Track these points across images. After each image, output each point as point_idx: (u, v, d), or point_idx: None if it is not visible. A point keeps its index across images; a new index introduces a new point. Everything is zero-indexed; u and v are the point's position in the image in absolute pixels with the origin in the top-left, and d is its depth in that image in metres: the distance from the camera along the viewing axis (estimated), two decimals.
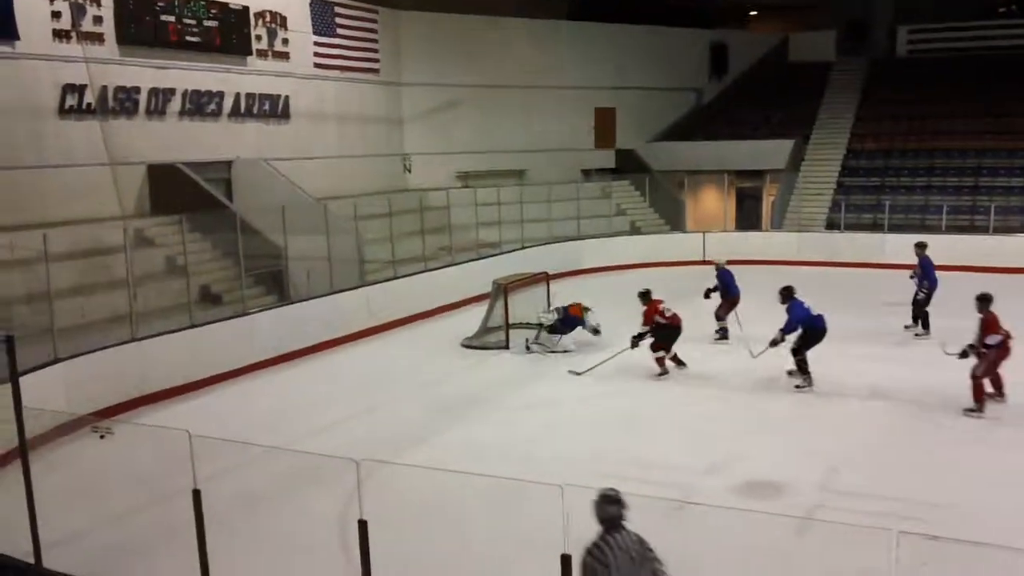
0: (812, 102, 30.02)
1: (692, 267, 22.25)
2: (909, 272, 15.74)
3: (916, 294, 15.41)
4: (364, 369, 15.07)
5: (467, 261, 20.51)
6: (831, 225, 25.17)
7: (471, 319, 17.08)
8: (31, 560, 6.86)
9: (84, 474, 9.96)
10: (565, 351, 15.15)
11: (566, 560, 5.03)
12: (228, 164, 19.61)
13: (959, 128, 27.31)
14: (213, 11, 19.26)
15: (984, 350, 11.08)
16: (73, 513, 8.73)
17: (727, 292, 15.66)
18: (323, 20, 22.39)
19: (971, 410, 11.17)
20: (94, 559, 7.70)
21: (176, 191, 17.60)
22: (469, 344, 16.13)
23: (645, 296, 13.60)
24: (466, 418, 12.04)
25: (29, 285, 12.70)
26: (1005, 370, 11.31)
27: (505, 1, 27.25)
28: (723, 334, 15.62)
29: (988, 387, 11.33)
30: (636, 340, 13.38)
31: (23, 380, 7.03)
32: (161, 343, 13.35)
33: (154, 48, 18.09)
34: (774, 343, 12.58)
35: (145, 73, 18.01)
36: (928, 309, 15.26)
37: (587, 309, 15.42)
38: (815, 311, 12.51)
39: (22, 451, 6.98)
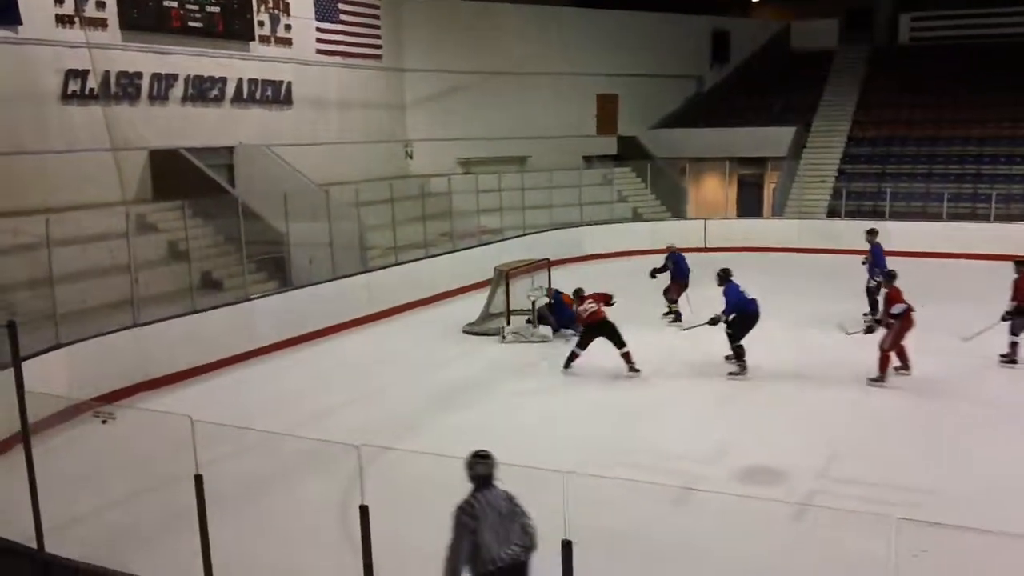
0: (814, 89, 29.94)
1: (695, 254, 22.13)
2: (861, 258, 15.57)
3: (868, 282, 15.19)
4: (365, 355, 15.10)
5: (468, 247, 20.53)
6: (832, 212, 25.17)
7: (472, 305, 17.09)
8: (33, 544, 6.89)
9: (86, 459, 9.97)
10: (543, 340, 15.17)
11: (567, 546, 5.05)
12: (230, 150, 19.56)
13: (961, 116, 27.28)
14: None
15: (891, 320, 11.69)
16: (75, 498, 8.75)
17: (676, 275, 15.95)
18: (325, 6, 22.29)
19: (874, 380, 11.91)
20: (96, 543, 7.72)
21: (178, 177, 17.56)
22: (471, 330, 16.16)
23: None
24: (467, 404, 12.07)
25: (31, 270, 12.71)
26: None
27: None
28: (676, 317, 15.82)
29: (895, 360, 12.02)
30: (714, 322, 12.86)
31: (25, 365, 7.03)
32: (163, 328, 13.39)
33: (157, 33, 18.01)
34: (713, 322, 12.75)
35: (148, 58, 17.95)
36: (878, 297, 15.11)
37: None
38: (750, 295, 12.59)
39: (24, 436, 6.99)
